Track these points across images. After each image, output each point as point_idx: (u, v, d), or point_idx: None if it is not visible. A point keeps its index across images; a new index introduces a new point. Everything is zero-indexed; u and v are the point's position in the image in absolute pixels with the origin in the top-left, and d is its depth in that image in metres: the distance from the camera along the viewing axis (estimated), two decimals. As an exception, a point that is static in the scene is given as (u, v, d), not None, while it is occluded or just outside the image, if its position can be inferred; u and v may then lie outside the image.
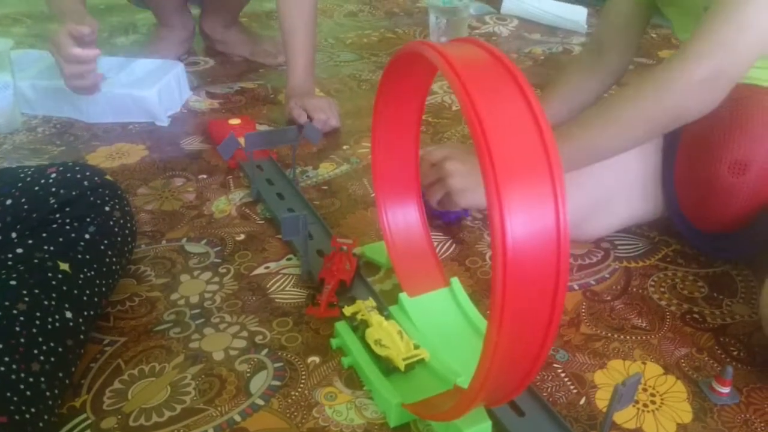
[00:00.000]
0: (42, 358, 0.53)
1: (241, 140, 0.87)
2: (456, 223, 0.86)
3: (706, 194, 0.74)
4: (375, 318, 0.63)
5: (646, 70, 0.71)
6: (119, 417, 0.58)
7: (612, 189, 0.79)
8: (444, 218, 0.86)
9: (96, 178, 0.68)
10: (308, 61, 1.12)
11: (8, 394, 0.49)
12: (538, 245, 0.42)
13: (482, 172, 0.41)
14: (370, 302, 0.67)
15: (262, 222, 0.86)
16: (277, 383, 0.61)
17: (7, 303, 0.53)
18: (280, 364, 0.63)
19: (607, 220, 0.81)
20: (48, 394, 0.52)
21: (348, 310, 0.66)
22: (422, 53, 0.49)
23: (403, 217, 0.72)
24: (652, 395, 0.61)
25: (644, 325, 0.70)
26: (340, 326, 0.66)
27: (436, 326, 0.66)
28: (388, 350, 0.60)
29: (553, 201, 0.42)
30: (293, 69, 1.12)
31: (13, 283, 0.55)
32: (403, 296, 0.68)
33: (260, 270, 0.77)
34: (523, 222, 0.41)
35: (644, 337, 0.68)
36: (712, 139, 0.72)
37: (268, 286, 0.74)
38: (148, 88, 1.08)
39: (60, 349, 0.55)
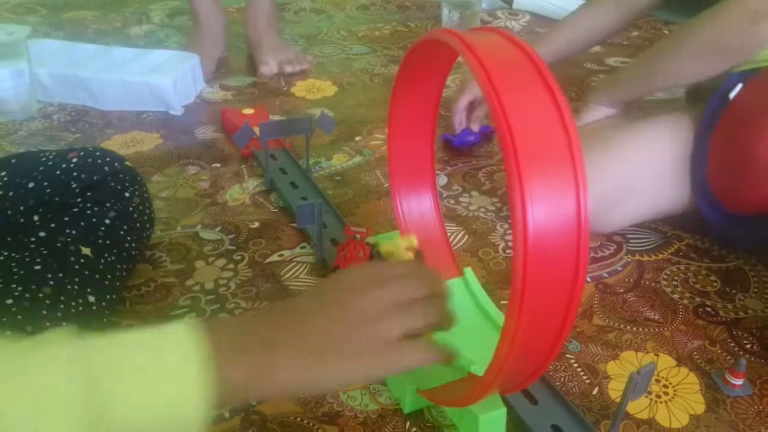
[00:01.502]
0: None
1: (256, 129, 0.88)
2: (467, 147, 1.02)
3: (741, 170, 0.73)
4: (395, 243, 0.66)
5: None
6: (137, 399, 0.58)
7: (638, 176, 0.79)
8: (457, 142, 1.01)
9: (116, 164, 0.68)
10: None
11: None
12: (558, 233, 0.42)
13: (504, 159, 0.42)
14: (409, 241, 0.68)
15: (276, 210, 0.86)
16: (292, 368, 0.62)
17: (33, 287, 0.53)
18: (295, 350, 0.64)
19: (627, 211, 0.80)
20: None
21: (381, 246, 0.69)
22: (444, 40, 0.49)
23: (418, 207, 0.72)
24: (665, 386, 0.62)
25: (657, 317, 0.70)
26: (355, 314, 0.66)
27: (449, 315, 0.67)
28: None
29: (574, 189, 0.42)
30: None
31: (37, 267, 0.56)
32: (417, 285, 0.68)
33: (274, 257, 0.77)
34: (545, 209, 0.41)
35: (657, 330, 0.69)
36: (755, 115, 0.72)
37: (282, 273, 0.75)
38: (164, 77, 1.08)
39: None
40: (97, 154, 0.68)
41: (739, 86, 0.75)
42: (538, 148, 0.42)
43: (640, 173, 0.79)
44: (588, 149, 0.77)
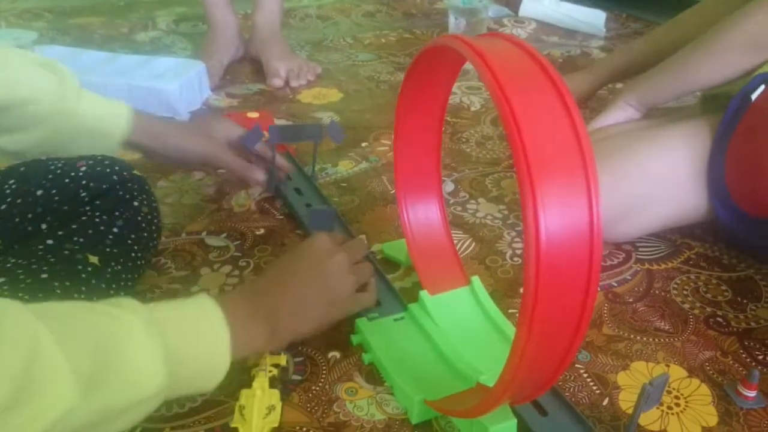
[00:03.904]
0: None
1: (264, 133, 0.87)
2: None
3: (760, 170, 0.72)
4: (259, 381, 0.57)
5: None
6: (141, 407, 0.58)
7: (656, 185, 0.78)
8: None
9: (125, 173, 0.68)
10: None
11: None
12: (570, 241, 0.41)
13: (516, 166, 0.41)
14: (277, 359, 0.61)
15: (282, 217, 0.86)
16: (298, 378, 0.61)
17: (40, 295, 0.53)
18: (301, 358, 0.63)
19: (642, 221, 0.79)
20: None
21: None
22: (452, 46, 0.49)
23: (424, 215, 0.72)
24: (677, 398, 0.61)
25: (667, 327, 0.69)
26: (361, 323, 0.66)
27: (457, 324, 0.66)
28: (242, 422, 0.55)
29: (586, 197, 0.42)
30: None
31: (44, 275, 0.55)
32: (423, 294, 0.67)
33: (280, 265, 0.77)
34: (557, 218, 0.41)
35: (667, 340, 0.68)
36: None
37: (288, 281, 0.74)
38: (170, 82, 1.08)
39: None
40: (106, 162, 0.67)
41: (762, 87, 0.74)
42: (550, 155, 0.42)
43: (658, 182, 0.78)
44: (606, 157, 0.77)
